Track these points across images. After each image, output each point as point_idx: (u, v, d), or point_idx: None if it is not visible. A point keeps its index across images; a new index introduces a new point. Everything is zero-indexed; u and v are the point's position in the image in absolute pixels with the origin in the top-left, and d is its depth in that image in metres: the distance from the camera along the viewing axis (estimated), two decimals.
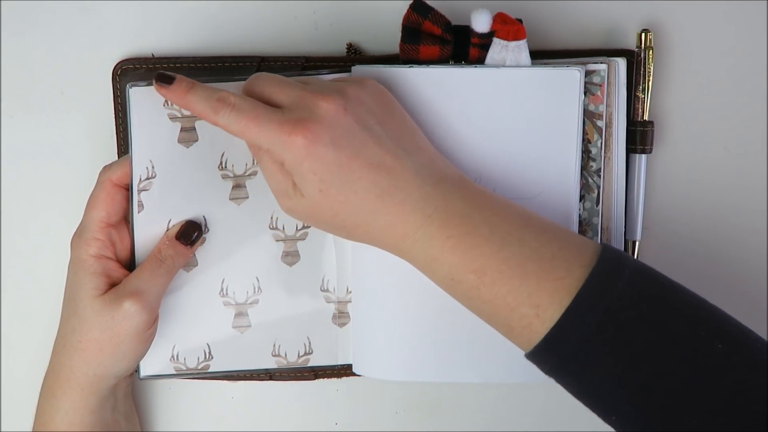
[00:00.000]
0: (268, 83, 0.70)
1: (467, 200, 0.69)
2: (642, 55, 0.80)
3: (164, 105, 0.76)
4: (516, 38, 0.74)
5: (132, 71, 0.80)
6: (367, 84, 0.72)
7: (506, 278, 0.67)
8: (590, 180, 0.77)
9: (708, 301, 0.67)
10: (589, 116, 0.76)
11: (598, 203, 0.77)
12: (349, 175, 0.68)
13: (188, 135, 0.77)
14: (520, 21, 0.75)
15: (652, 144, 0.81)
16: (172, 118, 0.76)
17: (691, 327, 0.65)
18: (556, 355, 0.66)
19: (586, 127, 0.76)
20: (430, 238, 0.68)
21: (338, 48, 0.82)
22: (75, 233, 0.76)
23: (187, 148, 0.77)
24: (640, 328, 0.64)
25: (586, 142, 0.77)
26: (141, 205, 0.77)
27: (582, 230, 0.78)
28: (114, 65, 0.80)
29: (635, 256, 0.82)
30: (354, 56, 0.81)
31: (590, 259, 0.67)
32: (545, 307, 0.66)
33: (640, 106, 0.80)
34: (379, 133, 0.69)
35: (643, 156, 0.81)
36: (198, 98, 0.69)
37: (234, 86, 0.73)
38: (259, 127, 0.67)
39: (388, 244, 0.70)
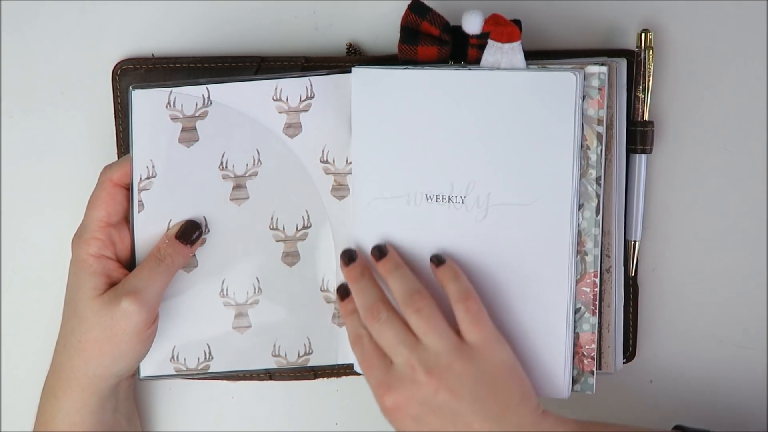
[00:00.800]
0: (385, 334, 0.73)
1: None
2: (642, 55, 0.80)
3: (166, 106, 0.76)
4: (510, 40, 0.74)
5: (132, 71, 0.80)
6: (483, 354, 0.72)
7: None
8: (589, 188, 0.76)
9: None
10: (588, 121, 0.75)
11: (598, 213, 0.76)
12: None
13: (189, 135, 0.77)
14: (519, 21, 0.75)
15: (652, 144, 0.80)
16: (174, 118, 0.76)
17: None
18: None
19: (585, 133, 0.75)
20: None
21: (338, 48, 0.82)
22: (76, 233, 0.76)
23: (188, 148, 0.77)
24: None
25: (585, 148, 0.75)
26: (141, 205, 0.77)
27: (581, 241, 0.77)
28: (114, 65, 0.80)
29: (635, 257, 0.82)
30: (353, 56, 0.81)
31: None
32: None
33: (640, 106, 0.80)
34: (475, 407, 0.71)
35: (643, 156, 0.80)
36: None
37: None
38: (367, 373, 0.74)
39: None
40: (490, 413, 0.70)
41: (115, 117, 0.80)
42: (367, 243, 0.77)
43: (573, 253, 0.75)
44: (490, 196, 0.75)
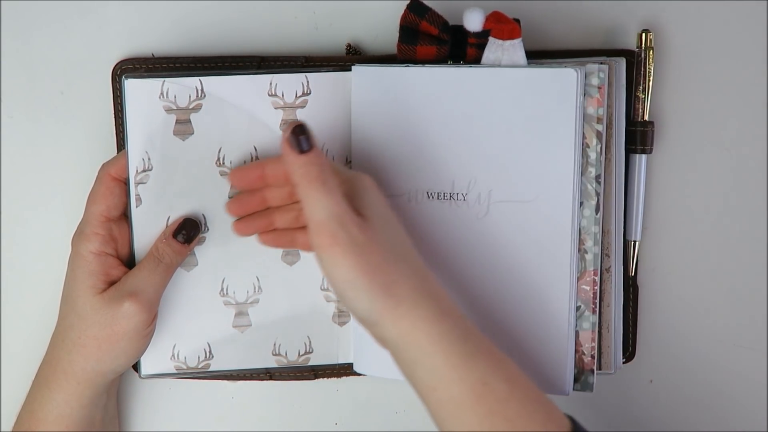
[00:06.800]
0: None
1: None
2: (642, 55, 0.80)
3: (160, 97, 0.76)
4: (511, 37, 0.74)
5: (132, 71, 0.80)
6: None
7: (531, 398, 0.67)
8: (589, 187, 0.76)
9: None
10: (587, 120, 0.75)
11: (597, 211, 0.76)
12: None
13: (183, 127, 0.77)
14: (518, 21, 0.75)
15: (652, 144, 0.81)
16: (168, 109, 0.76)
17: None
18: None
19: (585, 131, 0.75)
20: (466, 329, 0.68)
21: (338, 48, 0.82)
22: (76, 230, 0.76)
23: (183, 140, 0.77)
24: None
25: (584, 146, 0.76)
26: (139, 199, 0.76)
27: (581, 239, 0.76)
28: (114, 65, 0.80)
29: (635, 257, 0.82)
30: (353, 56, 0.81)
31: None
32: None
33: (640, 107, 0.80)
34: None
35: (643, 156, 0.81)
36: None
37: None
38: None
39: (434, 316, 0.67)
40: None
41: (115, 117, 0.80)
42: None
43: (575, 249, 0.75)
44: (491, 193, 0.76)
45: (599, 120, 0.75)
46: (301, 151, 0.67)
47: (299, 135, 0.67)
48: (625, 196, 0.81)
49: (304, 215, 0.68)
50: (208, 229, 0.78)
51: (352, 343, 0.81)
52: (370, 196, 0.70)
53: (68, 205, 0.81)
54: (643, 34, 0.80)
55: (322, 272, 0.68)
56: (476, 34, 0.75)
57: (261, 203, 0.77)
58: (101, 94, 0.81)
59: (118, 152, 0.80)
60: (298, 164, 0.67)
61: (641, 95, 0.80)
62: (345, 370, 0.82)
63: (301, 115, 0.78)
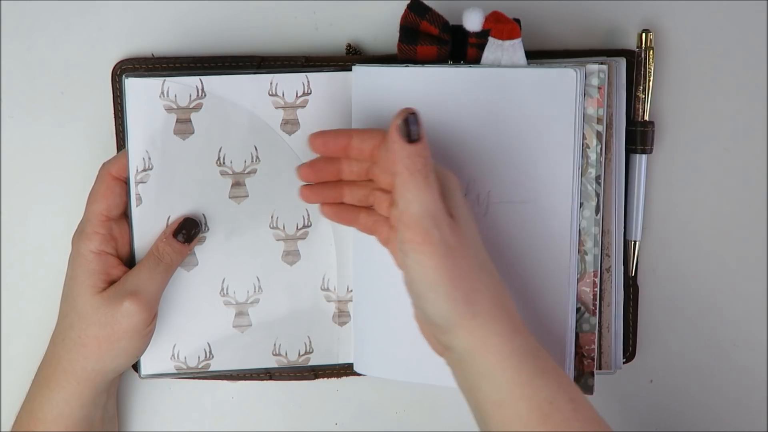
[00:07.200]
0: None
1: None
2: (642, 55, 0.80)
3: (160, 96, 0.76)
4: (510, 37, 0.74)
5: (132, 71, 0.79)
6: None
7: (591, 418, 0.66)
8: (589, 187, 0.76)
9: None
10: (587, 120, 0.75)
11: (597, 212, 0.76)
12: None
13: (184, 127, 0.77)
14: (518, 21, 0.75)
15: (652, 144, 0.81)
16: (168, 109, 0.76)
17: None
18: None
19: (585, 132, 0.75)
20: (535, 346, 0.67)
21: (338, 48, 0.82)
22: (76, 229, 0.76)
23: (184, 140, 0.77)
24: None
25: (584, 147, 0.75)
26: (139, 199, 0.77)
27: (581, 240, 0.77)
28: (114, 65, 0.80)
29: (635, 257, 0.82)
30: (353, 56, 0.81)
31: None
32: None
33: (640, 107, 0.80)
34: None
35: (643, 156, 0.81)
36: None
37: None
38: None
39: (508, 331, 0.67)
40: None
41: (115, 117, 0.80)
42: (367, 242, 0.77)
43: (574, 251, 0.75)
44: (490, 194, 0.76)
45: (599, 120, 0.75)
46: (410, 141, 0.66)
47: (411, 124, 0.66)
48: (625, 196, 0.81)
49: (397, 205, 0.66)
50: (208, 229, 0.78)
51: (352, 343, 0.81)
52: (459, 198, 0.69)
53: (68, 204, 0.81)
54: (643, 34, 0.80)
55: (402, 268, 0.68)
56: (476, 34, 0.75)
57: (335, 174, 0.75)
58: (101, 94, 0.81)
59: (118, 152, 0.80)
60: (405, 153, 0.66)
61: (641, 95, 0.80)
62: (345, 370, 0.82)
63: (302, 115, 0.78)
